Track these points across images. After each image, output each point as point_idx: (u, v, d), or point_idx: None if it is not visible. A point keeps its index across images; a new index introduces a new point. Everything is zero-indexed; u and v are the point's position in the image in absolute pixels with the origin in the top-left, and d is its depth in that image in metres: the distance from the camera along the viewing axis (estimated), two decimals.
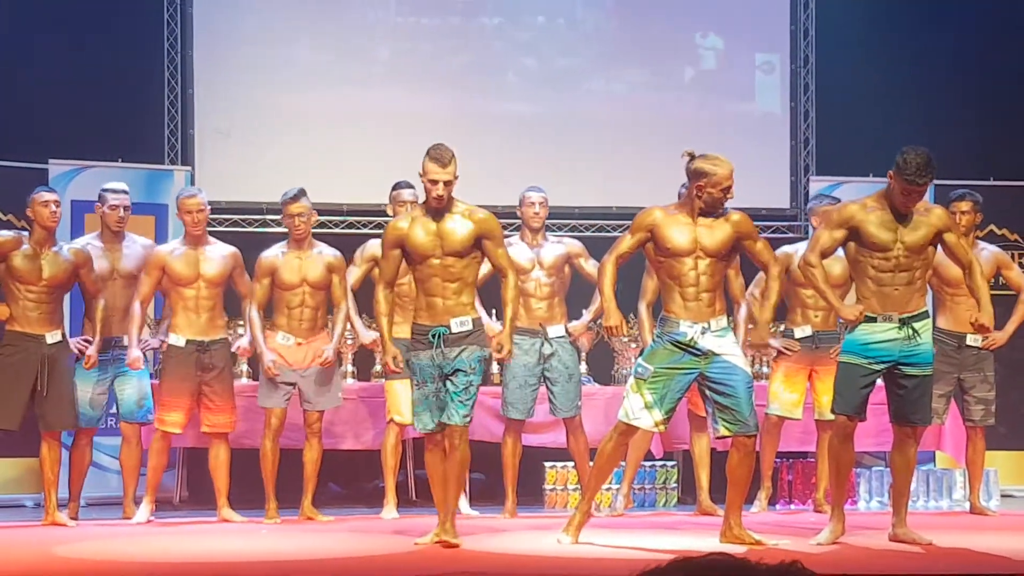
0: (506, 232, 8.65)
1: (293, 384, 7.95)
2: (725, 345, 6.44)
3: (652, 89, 10.54)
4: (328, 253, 8.01)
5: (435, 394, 6.50)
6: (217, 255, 8.00)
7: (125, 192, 8.15)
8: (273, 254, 7.99)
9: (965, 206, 8.23)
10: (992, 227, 10.05)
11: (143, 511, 7.86)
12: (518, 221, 8.50)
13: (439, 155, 6.46)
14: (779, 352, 8.36)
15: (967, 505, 8.57)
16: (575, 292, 8.39)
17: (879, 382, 6.68)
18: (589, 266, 8.18)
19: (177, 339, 7.90)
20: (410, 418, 8.01)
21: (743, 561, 2.00)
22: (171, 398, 7.87)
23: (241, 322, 8.26)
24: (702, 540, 6.70)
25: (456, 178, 6.49)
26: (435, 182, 6.44)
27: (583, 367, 8.74)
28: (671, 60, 10.59)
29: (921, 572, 5.92)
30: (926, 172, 6.37)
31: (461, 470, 6.61)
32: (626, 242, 6.57)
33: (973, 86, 10.65)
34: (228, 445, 7.99)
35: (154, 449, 7.92)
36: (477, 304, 7.92)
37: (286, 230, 8.02)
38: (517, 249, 8.12)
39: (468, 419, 6.51)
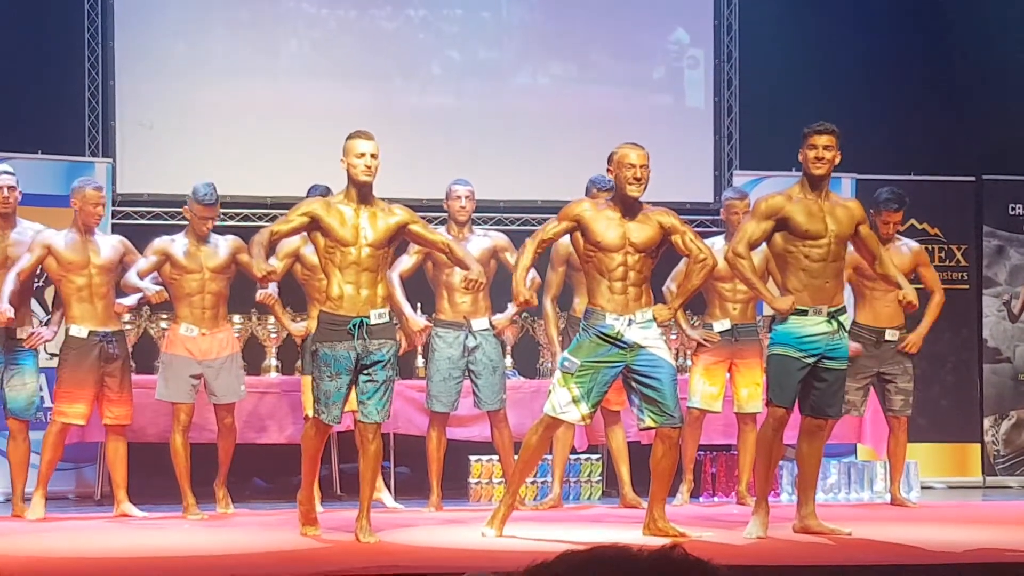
0: (431, 225, 8.64)
1: (199, 376, 7.89)
2: (650, 337, 6.46)
3: (577, 82, 10.55)
4: (227, 240, 7.97)
5: (347, 386, 6.47)
6: (106, 243, 7.88)
7: (9, 173, 7.88)
8: (168, 239, 7.90)
9: (898, 217, 8.33)
10: (913, 221, 10.15)
11: (37, 507, 7.67)
12: (443, 214, 8.48)
13: (363, 131, 6.52)
14: (699, 344, 8.40)
15: (888, 497, 8.65)
16: (500, 285, 8.39)
17: None
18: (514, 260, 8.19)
19: (79, 330, 7.75)
20: None
21: (625, 549, 2.03)
22: (75, 389, 7.73)
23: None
24: (625, 533, 6.72)
25: (378, 160, 6.49)
26: (363, 155, 6.44)
27: (508, 360, 8.74)
28: (596, 53, 10.60)
29: (841, 563, 5.97)
30: (823, 123, 6.60)
31: (377, 465, 6.58)
32: (551, 228, 6.60)
33: (894, 82, 10.75)
34: (126, 438, 7.90)
35: (50, 442, 7.76)
36: (401, 296, 7.94)
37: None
38: None
39: (387, 416, 6.51)
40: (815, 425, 6.74)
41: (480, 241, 8.17)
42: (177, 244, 7.88)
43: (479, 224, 9.05)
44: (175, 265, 7.83)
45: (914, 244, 8.58)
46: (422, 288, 8.40)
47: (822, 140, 6.59)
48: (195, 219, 7.87)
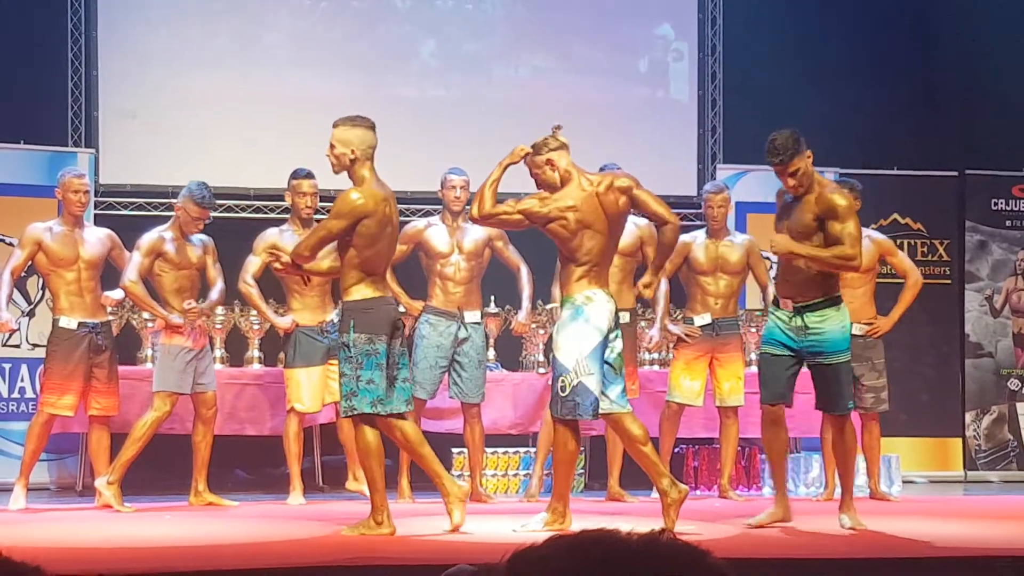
0: (414, 216, 8.63)
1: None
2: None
3: (560, 74, 10.54)
4: (205, 238, 7.93)
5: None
6: (94, 237, 7.87)
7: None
8: (158, 236, 7.80)
9: (782, 168, 8.33)
10: (896, 216, 10.19)
11: (19, 497, 7.67)
12: (424, 206, 8.45)
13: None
14: (679, 339, 8.39)
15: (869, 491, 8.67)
16: (494, 276, 8.38)
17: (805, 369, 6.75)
18: (509, 250, 8.19)
19: (68, 321, 7.74)
20: (310, 405, 7.99)
21: (614, 532, 2.06)
22: (64, 381, 7.72)
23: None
24: (609, 525, 6.71)
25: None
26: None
27: (491, 353, 8.74)
28: (579, 46, 10.60)
29: (820, 556, 5.98)
30: (770, 152, 6.49)
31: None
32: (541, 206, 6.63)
33: (878, 77, 10.77)
34: (110, 429, 7.89)
35: (36, 432, 7.74)
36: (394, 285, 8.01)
37: (174, 214, 7.89)
38: (437, 231, 8.11)
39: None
40: (826, 420, 7.06)
41: (474, 232, 8.15)
42: (163, 241, 7.80)
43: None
44: (168, 261, 7.78)
45: (877, 235, 8.47)
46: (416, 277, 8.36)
47: (782, 170, 6.53)
48: (189, 219, 7.78)
